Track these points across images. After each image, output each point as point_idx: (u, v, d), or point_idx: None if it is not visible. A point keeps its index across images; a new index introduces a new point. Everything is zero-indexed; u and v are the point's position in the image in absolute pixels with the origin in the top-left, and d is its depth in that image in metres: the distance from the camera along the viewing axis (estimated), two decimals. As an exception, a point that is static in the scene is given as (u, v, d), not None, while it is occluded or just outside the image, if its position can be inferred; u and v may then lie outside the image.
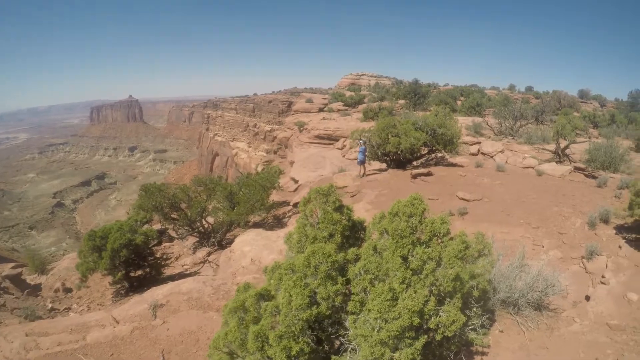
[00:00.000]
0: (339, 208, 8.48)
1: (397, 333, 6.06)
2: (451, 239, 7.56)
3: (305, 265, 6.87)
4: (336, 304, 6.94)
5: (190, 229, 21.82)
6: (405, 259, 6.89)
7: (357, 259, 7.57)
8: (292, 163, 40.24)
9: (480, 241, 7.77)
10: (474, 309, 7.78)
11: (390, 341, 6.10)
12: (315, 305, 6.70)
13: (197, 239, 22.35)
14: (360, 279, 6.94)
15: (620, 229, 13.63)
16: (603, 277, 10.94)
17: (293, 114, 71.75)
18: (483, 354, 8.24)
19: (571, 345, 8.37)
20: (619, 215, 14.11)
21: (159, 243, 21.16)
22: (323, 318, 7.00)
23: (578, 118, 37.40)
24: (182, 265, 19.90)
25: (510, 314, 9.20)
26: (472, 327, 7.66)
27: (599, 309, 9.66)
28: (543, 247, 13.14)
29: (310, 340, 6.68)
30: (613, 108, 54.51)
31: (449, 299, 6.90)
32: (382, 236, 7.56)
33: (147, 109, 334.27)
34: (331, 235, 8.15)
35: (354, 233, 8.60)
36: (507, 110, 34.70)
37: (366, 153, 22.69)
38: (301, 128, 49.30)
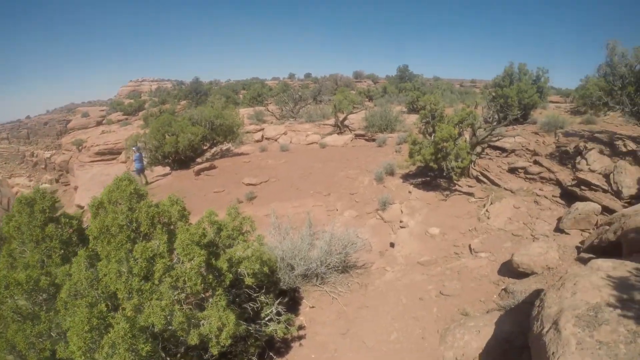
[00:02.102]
0: (54, 219, 6.44)
1: None
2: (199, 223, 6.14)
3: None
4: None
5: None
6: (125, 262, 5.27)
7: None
8: (76, 188, 35.99)
9: (234, 217, 6.46)
10: (261, 297, 6.68)
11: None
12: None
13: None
14: (68, 310, 5.12)
15: (406, 177, 14.73)
16: (401, 221, 11.32)
17: (70, 133, 64.93)
18: (300, 338, 7.44)
19: (391, 294, 8.22)
20: (402, 166, 15.25)
21: None
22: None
23: (354, 94, 41.19)
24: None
25: (317, 285, 8.64)
26: (269, 317, 6.64)
27: (406, 252, 9.82)
28: (337, 210, 13.24)
29: None
30: (385, 82, 61.35)
31: (211, 300, 5.54)
32: (96, 240, 5.80)
33: None
34: (49, 256, 6.11)
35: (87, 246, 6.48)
36: (287, 95, 36.76)
37: (144, 159, 20.72)
38: (80, 147, 45.05)
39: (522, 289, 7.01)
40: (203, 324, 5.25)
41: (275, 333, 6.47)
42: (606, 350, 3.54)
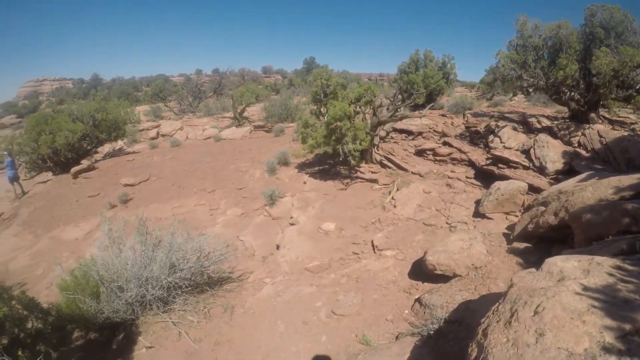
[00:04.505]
0: None
1: None
2: None
3: None
4: None
5: None
6: None
7: None
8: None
9: None
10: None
11: None
12: None
13: None
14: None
15: (302, 167, 12.60)
16: (291, 217, 9.00)
17: (-42, 142, 57.00)
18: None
19: (265, 318, 5.76)
20: (299, 154, 13.31)
21: None
22: None
23: (259, 88, 39.25)
24: None
25: (160, 314, 5.82)
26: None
27: (292, 255, 7.48)
28: (219, 209, 10.64)
29: None
30: (294, 76, 58.90)
31: None
32: None
33: None
34: None
35: None
36: (186, 89, 34.34)
37: (17, 165, 17.15)
38: (-31, 157, 38.87)
39: (442, 301, 4.83)
40: None
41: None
42: None
